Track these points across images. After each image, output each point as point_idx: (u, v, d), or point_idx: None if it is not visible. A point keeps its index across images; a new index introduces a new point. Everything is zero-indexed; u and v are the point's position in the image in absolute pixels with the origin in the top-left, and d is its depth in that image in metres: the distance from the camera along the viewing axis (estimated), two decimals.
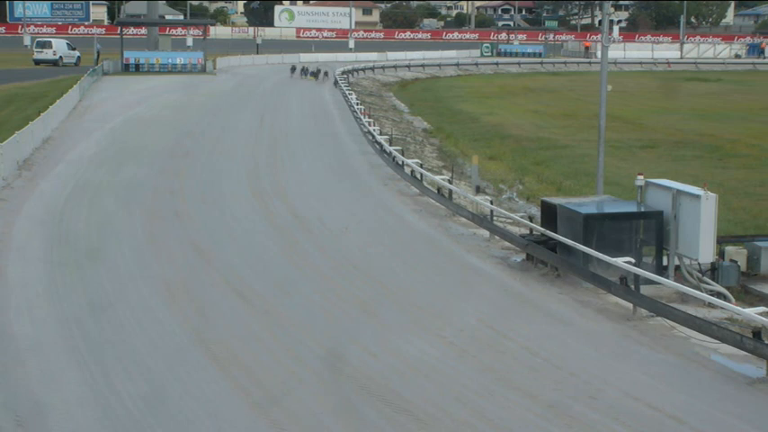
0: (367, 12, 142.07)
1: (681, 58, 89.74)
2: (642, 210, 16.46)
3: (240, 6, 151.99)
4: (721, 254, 16.62)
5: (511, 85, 62.24)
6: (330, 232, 19.14)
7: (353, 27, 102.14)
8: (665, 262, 16.05)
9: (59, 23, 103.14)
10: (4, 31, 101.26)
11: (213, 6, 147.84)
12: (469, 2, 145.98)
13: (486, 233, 19.21)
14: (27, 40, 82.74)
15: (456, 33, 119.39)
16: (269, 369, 11.87)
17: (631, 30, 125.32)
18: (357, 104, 38.78)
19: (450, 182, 22.56)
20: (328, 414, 10.66)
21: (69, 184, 23.72)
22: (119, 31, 66.02)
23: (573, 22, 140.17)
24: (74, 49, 66.37)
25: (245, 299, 14.75)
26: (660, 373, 11.88)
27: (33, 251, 17.36)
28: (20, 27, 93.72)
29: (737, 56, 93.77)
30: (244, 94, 47.87)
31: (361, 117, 34.68)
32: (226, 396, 11.03)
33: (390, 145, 27.94)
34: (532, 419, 10.54)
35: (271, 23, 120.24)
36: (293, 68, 58.05)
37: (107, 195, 22.49)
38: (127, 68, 58.52)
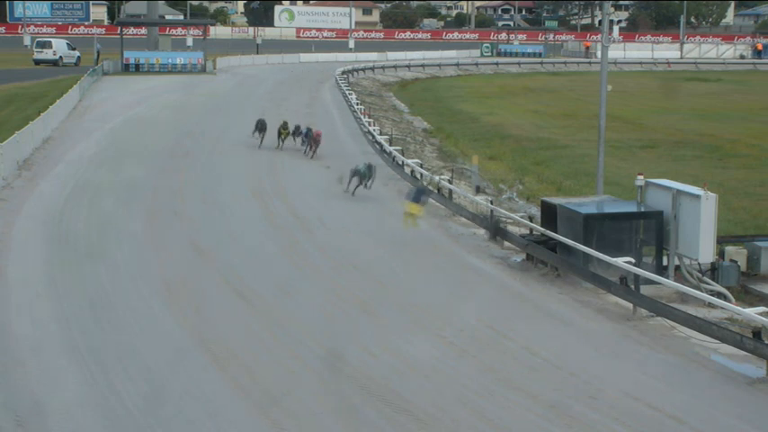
0: (367, 12, 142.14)
1: (681, 58, 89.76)
2: (642, 210, 16.46)
3: (240, 6, 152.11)
4: (721, 254, 16.63)
5: (511, 85, 62.26)
6: (330, 232, 19.14)
7: (353, 27, 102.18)
8: (665, 262, 16.06)
9: (59, 23, 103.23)
10: (4, 31, 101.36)
11: (213, 6, 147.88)
12: (469, 2, 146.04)
13: (486, 233, 19.20)
14: (27, 40, 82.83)
15: (456, 33, 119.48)
16: (269, 369, 11.87)
17: (631, 30, 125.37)
18: (357, 104, 38.79)
19: (450, 182, 22.57)
20: (328, 414, 10.66)
21: (69, 184, 23.73)
22: (119, 31, 66.05)
23: (573, 22, 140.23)
24: (74, 49, 66.43)
25: (245, 299, 14.74)
26: (660, 373, 11.88)
27: (33, 251, 17.36)
28: (20, 27, 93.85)
29: (742, 56, 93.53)
30: (244, 95, 47.87)
31: (361, 117, 34.69)
32: (226, 396, 11.03)
33: (390, 145, 27.94)
34: (533, 419, 10.54)
35: (271, 23, 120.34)
36: (260, 125, 30.62)
37: (107, 195, 22.49)
38: (127, 68, 58.52)
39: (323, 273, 16.27)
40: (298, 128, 29.50)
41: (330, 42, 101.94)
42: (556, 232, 16.63)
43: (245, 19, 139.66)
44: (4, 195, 21.97)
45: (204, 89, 50.01)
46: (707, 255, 15.50)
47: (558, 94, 55.68)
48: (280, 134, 29.74)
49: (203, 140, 31.67)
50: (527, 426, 10.42)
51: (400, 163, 25.60)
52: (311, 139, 28.23)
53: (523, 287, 15.64)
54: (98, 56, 62.95)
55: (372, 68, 68.00)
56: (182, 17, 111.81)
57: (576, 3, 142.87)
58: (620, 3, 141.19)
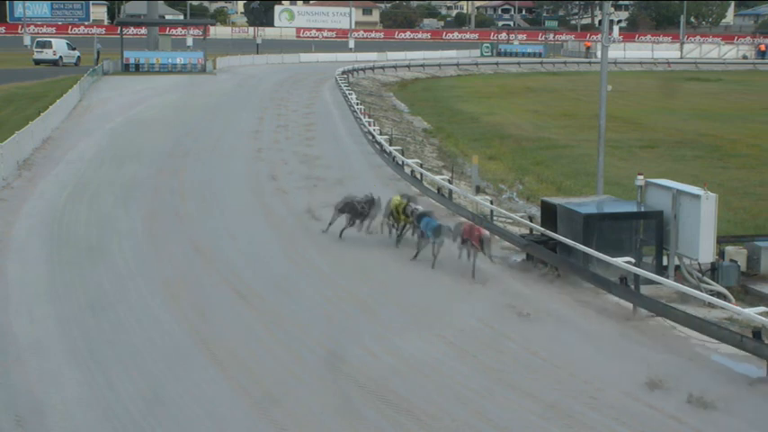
0: (367, 12, 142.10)
1: (681, 57, 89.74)
2: (642, 210, 16.46)
3: (240, 6, 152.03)
4: (721, 254, 16.62)
5: (511, 85, 62.24)
6: (330, 232, 19.11)
7: (353, 27, 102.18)
8: (665, 262, 16.05)
9: (59, 23, 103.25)
10: (4, 31, 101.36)
11: (213, 6, 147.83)
12: (469, 2, 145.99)
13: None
14: (27, 40, 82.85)
15: (456, 33, 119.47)
16: (269, 369, 11.87)
17: (631, 30, 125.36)
18: (357, 104, 38.77)
19: (450, 182, 22.57)
20: (328, 414, 10.65)
21: (69, 184, 23.73)
22: (119, 31, 66.03)
23: (573, 22, 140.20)
24: (74, 48, 66.42)
25: (244, 299, 14.74)
26: (660, 373, 11.87)
27: (33, 251, 17.36)
28: (20, 27, 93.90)
29: (745, 57, 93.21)
30: (244, 94, 47.87)
31: (361, 117, 34.68)
32: (226, 396, 11.03)
33: (390, 145, 27.94)
34: (533, 419, 10.54)
35: (271, 23, 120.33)
36: (352, 208, 18.45)
37: (107, 195, 22.48)
38: (127, 68, 58.47)
39: (323, 273, 16.26)
40: (414, 212, 17.55)
41: (330, 42, 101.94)
42: (556, 232, 16.63)
43: (245, 19, 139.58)
44: (4, 195, 21.96)
45: (204, 89, 49.99)
46: (707, 255, 15.49)
47: (558, 94, 55.68)
48: (393, 217, 18.15)
49: (204, 140, 31.66)
50: (527, 426, 10.43)
51: (400, 163, 25.60)
52: (463, 237, 16.35)
53: (523, 287, 15.64)
54: (98, 56, 62.92)
55: (372, 68, 67.96)
56: (182, 17, 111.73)
57: (576, 3, 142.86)
58: (620, 3, 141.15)
